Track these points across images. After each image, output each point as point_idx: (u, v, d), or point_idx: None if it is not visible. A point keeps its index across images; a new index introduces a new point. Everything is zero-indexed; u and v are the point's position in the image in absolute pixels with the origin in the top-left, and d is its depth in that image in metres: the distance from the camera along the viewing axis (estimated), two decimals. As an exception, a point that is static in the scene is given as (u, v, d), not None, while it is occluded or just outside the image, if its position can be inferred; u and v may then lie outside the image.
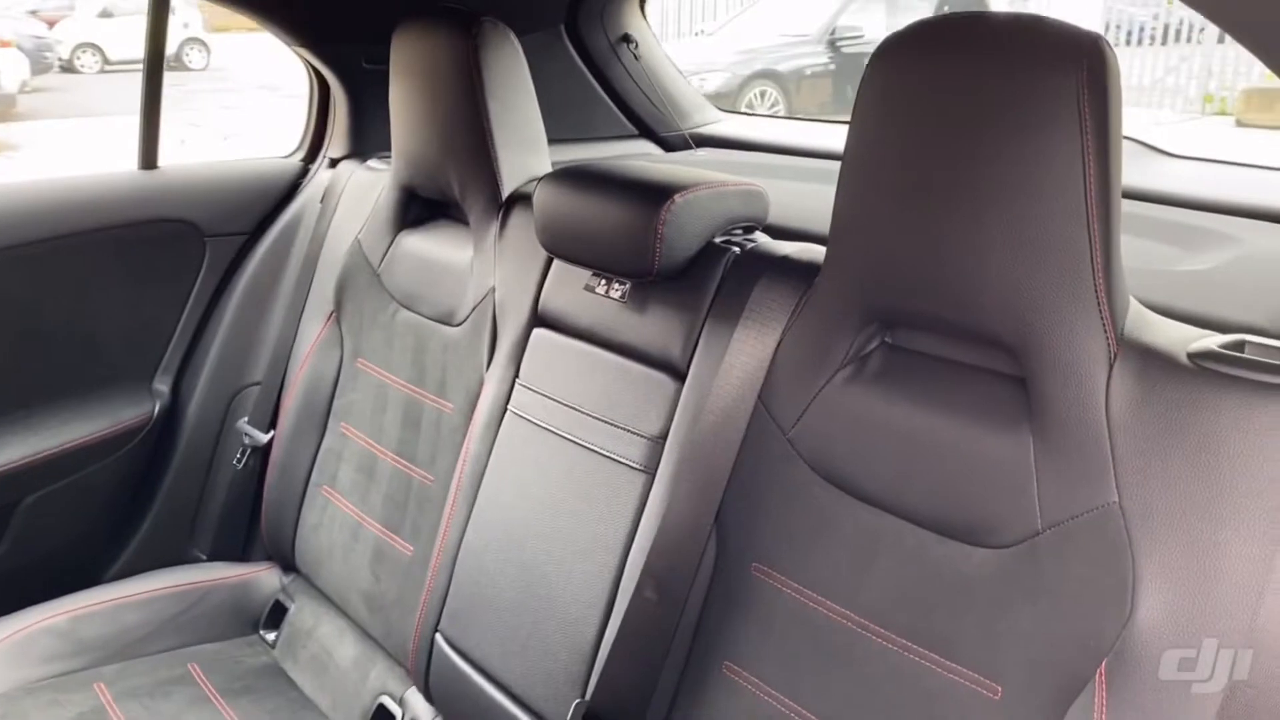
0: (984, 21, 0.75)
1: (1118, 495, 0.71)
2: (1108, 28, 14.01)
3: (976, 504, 0.78)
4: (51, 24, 10.73)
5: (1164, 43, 11.83)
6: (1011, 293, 0.73)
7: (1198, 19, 11.33)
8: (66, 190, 1.44)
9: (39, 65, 9.44)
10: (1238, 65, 11.27)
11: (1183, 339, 0.74)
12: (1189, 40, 11.56)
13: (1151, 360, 0.72)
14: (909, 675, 0.81)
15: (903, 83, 0.78)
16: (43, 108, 9.04)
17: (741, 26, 8.67)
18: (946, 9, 7.86)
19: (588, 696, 0.99)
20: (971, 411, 0.79)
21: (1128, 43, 12.96)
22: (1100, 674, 0.69)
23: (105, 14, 11.27)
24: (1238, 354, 0.70)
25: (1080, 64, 0.69)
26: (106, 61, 10.97)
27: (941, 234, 0.76)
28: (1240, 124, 10.15)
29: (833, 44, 8.12)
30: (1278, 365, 0.68)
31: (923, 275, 0.79)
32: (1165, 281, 0.97)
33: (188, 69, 11.31)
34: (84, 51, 11.00)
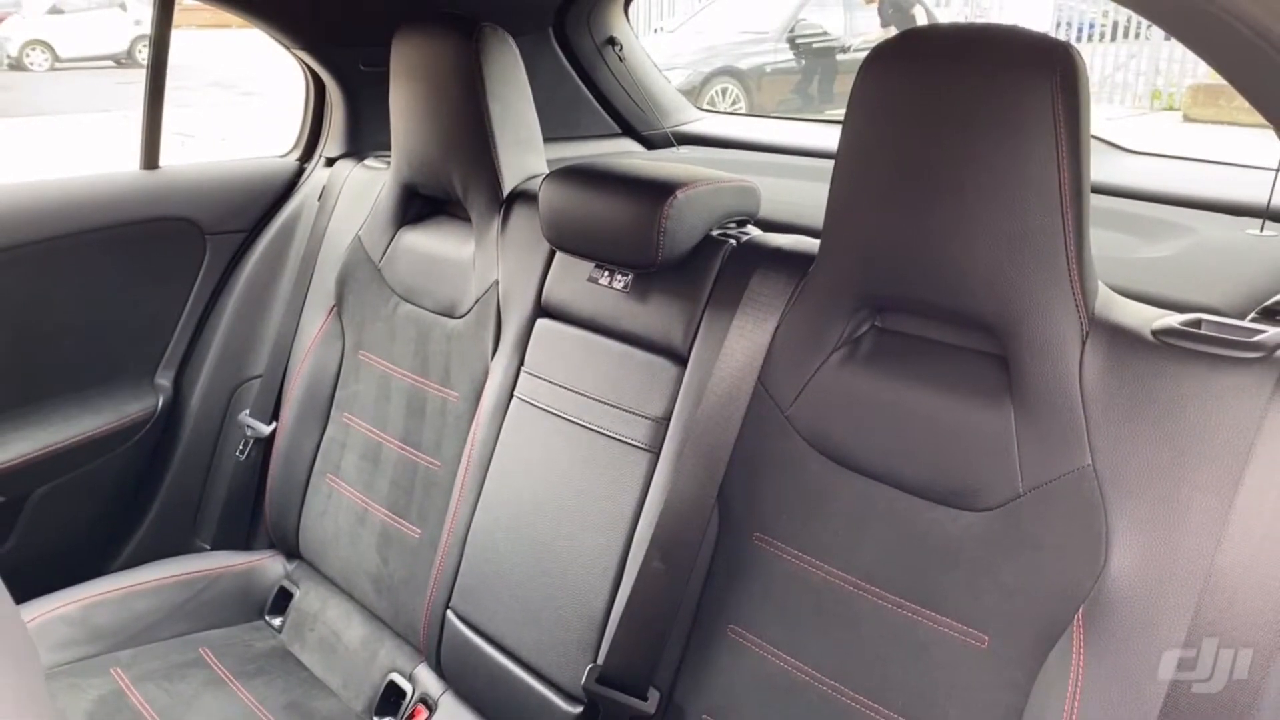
0: (966, 32, 0.83)
1: (1091, 459, 0.79)
2: (1058, 25, 14.29)
3: (962, 471, 0.86)
4: (-2, 21, 10.54)
5: (1113, 39, 12.10)
6: (993, 278, 0.81)
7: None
8: (71, 190, 1.48)
9: (-15, 63, 9.28)
10: (1184, 62, 11.57)
11: (1147, 318, 0.82)
12: (1136, 37, 11.84)
13: (1119, 337, 0.80)
14: (902, 630, 0.88)
15: (893, 87, 0.85)
16: (-10, 106, 8.88)
17: (701, 23, 8.73)
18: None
19: (599, 661, 1.06)
20: (957, 387, 0.87)
21: (1078, 39, 13.24)
22: (1078, 620, 0.77)
23: (55, 10, 11.09)
24: (1196, 331, 0.79)
25: (1054, 70, 0.76)
26: (57, 59, 10.79)
27: (928, 226, 0.84)
28: (1187, 119, 10.43)
29: (793, 41, 8.23)
30: (1232, 340, 0.76)
31: (911, 263, 0.86)
32: (1128, 268, 1.06)
33: (141, 66, 11.17)
34: (33, 49, 10.82)
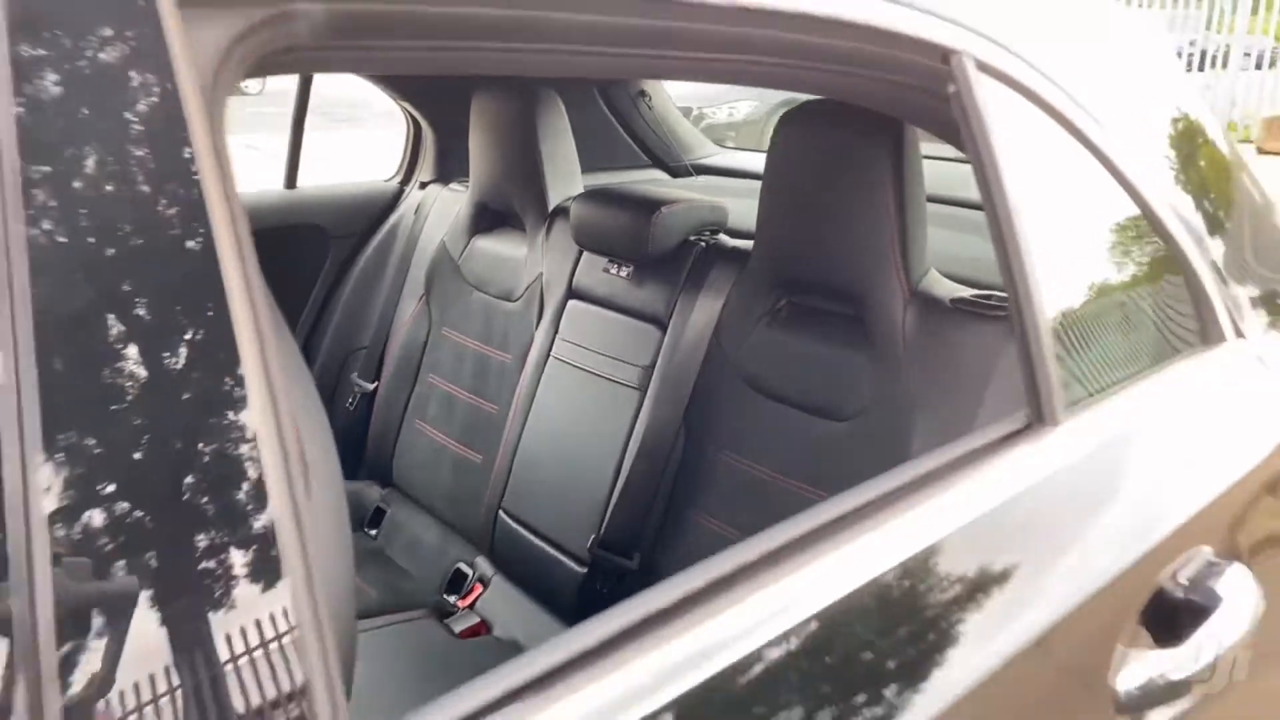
0: (835, 105, 1.26)
1: (909, 385, 1.21)
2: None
3: (837, 395, 1.28)
4: None
5: (1201, 69, 12.05)
6: (851, 268, 1.24)
7: (1234, 45, 11.60)
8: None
9: None
10: (1261, 94, 11.54)
11: (951, 291, 1.24)
12: (1213, 67, 11.80)
13: (929, 304, 1.22)
14: (804, 503, 1.31)
15: (794, 142, 1.29)
16: None
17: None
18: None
19: (600, 533, 1.51)
20: (834, 339, 1.30)
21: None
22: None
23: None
24: (975, 299, 1.20)
25: (889, 135, 1.18)
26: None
27: (815, 235, 1.27)
28: (1261, 152, 10.39)
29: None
30: (989, 305, 1.18)
31: (806, 259, 1.30)
32: (960, 262, 1.43)
33: (245, 93, 12.04)
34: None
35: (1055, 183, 0.92)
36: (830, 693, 0.64)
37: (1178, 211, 1.02)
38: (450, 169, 2.14)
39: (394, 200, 2.17)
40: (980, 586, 0.72)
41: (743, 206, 1.72)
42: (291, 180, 2.06)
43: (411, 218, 2.10)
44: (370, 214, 2.14)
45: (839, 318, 1.31)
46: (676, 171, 2.29)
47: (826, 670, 0.64)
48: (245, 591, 0.41)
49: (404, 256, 2.06)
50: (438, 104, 2.10)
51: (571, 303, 1.69)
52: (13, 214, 0.38)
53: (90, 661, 0.37)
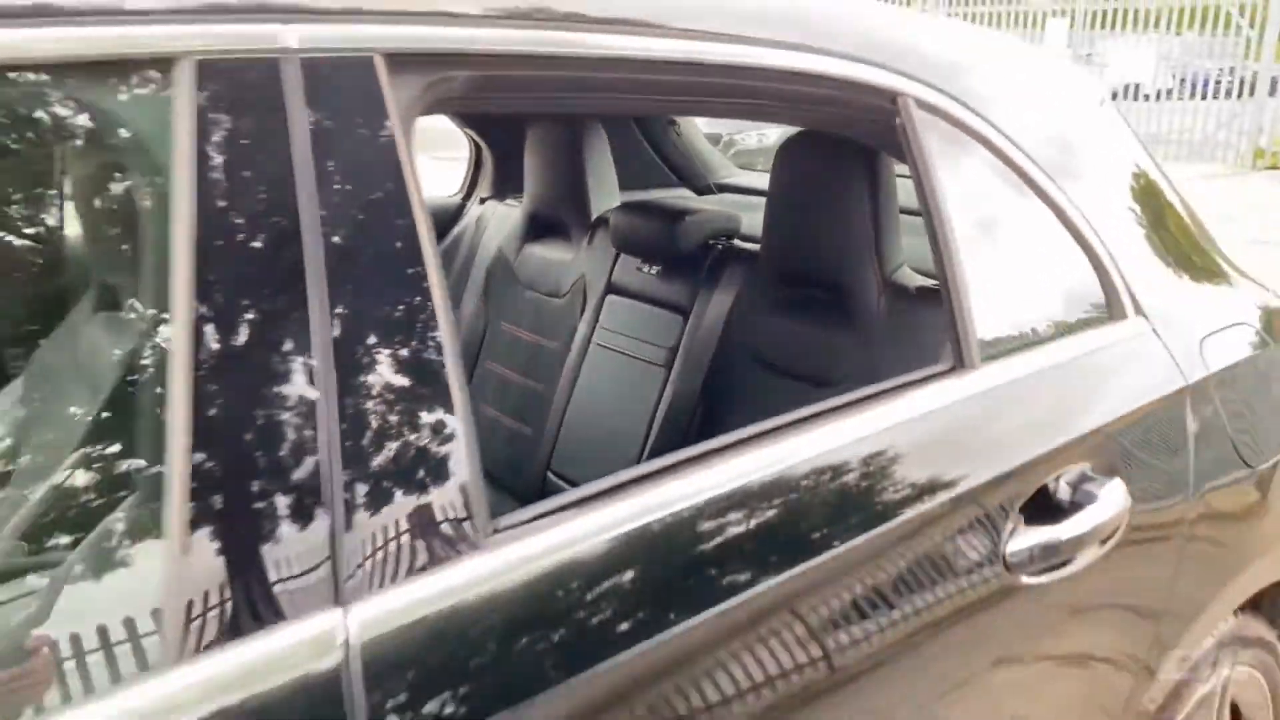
0: (822, 135, 1.56)
1: (883, 355, 1.50)
2: (1177, 79, 14.44)
3: (826, 366, 1.58)
4: None
5: (1239, 96, 12.22)
6: (838, 264, 1.54)
7: (1262, 73, 11.79)
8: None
9: None
10: (1289, 121, 11.68)
11: (917, 281, 1.53)
12: (1241, 95, 11.97)
13: (899, 291, 1.52)
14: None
15: (789, 163, 1.59)
16: None
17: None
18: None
19: (632, 486, 1.81)
20: (826, 322, 1.59)
21: (1192, 95, 13.36)
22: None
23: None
24: (930, 289, 1.50)
25: (866, 160, 1.48)
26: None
27: (808, 238, 1.57)
28: (1293, 177, 10.49)
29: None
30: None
31: (801, 257, 1.60)
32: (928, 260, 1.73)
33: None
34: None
35: (978, 191, 1.22)
36: (768, 545, 0.93)
37: (1086, 215, 1.31)
38: (506, 187, 2.47)
39: (458, 214, 2.50)
40: (902, 474, 1.02)
41: (755, 217, 2.03)
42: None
43: (473, 228, 2.43)
44: (439, 225, 2.47)
45: (827, 304, 1.61)
46: (701, 190, 2.61)
47: (769, 525, 0.94)
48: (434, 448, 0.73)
49: (466, 261, 2.38)
50: (497, 132, 2.43)
51: (609, 297, 2.01)
52: (310, 226, 0.69)
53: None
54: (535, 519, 0.79)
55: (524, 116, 2.18)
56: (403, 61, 0.77)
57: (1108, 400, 1.22)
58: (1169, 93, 13.99)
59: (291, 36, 0.71)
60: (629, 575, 0.82)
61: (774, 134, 8.46)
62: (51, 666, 0.62)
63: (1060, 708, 1.19)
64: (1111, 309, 1.31)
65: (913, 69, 1.15)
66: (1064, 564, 1.09)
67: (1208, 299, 1.46)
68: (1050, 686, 1.17)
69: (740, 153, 6.73)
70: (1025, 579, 1.06)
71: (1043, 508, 1.10)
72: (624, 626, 0.80)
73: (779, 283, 1.67)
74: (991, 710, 1.11)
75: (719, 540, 0.87)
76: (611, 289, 2.00)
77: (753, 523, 0.90)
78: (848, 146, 1.48)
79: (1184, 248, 1.51)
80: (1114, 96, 14.50)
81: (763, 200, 1.93)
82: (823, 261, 1.56)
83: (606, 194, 2.12)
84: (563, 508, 0.81)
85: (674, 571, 0.84)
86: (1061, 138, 1.34)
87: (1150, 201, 1.48)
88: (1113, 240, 1.33)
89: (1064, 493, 1.12)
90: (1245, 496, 1.34)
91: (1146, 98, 13.65)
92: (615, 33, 0.89)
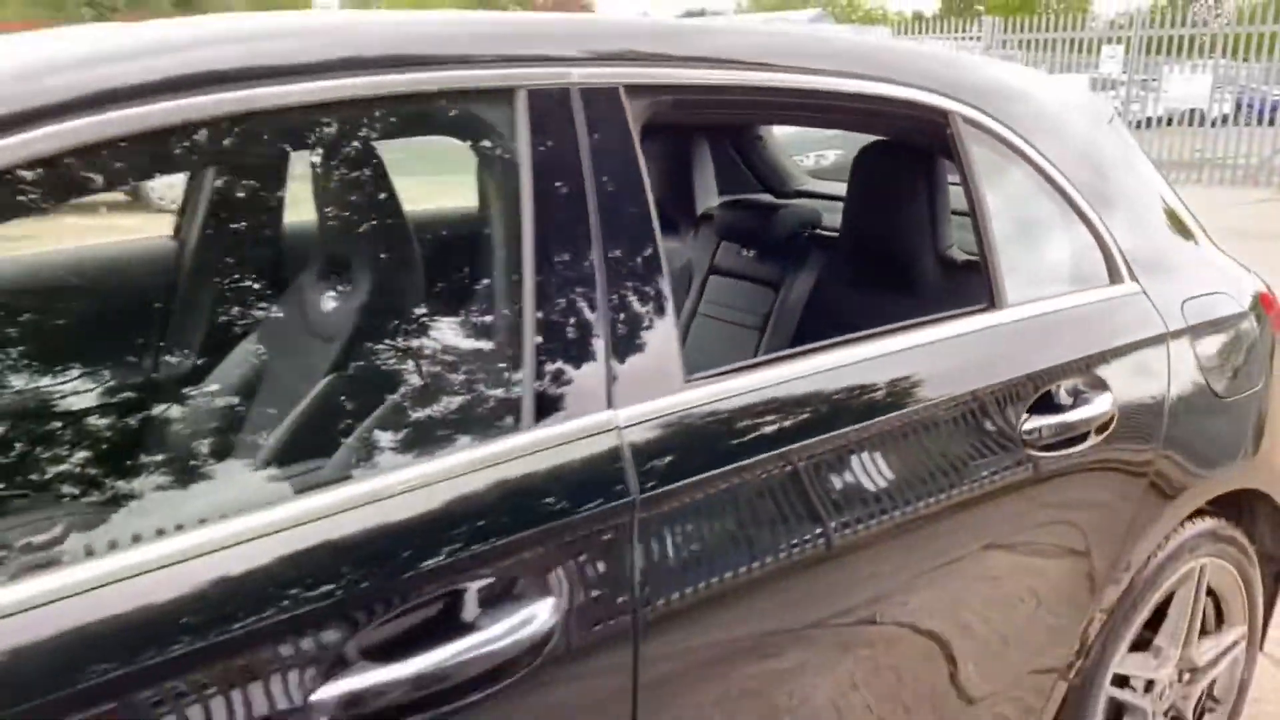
0: (890, 144, 2.01)
1: (935, 314, 1.95)
2: (1239, 106, 14.63)
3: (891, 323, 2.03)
4: None
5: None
6: (903, 242, 1.99)
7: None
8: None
9: None
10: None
11: (964, 257, 1.98)
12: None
13: (949, 264, 1.97)
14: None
15: (865, 165, 2.05)
16: None
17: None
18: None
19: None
20: (891, 290, 2.03)
21: (1259, 121, 13.52)
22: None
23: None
24: (971, 260, 1.94)
25: (925, 163, 1.94)
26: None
27: (880, 225, 2.03)
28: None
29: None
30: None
31: (874, 240, 2.06)
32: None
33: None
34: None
35: (1009, 184, 1.67)
36: (852, 404, 1.38)
37: (1092, 204, 1.75)
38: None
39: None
40: (947, 370, 1.47)
41: (829, 215, 2.50)
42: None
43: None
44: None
45: (893, 275, 2.06)
46: (780, 194, 3.08)
47: (855, 392, 1.39)
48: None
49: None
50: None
51: (712, 278, 2.48)
52: (590, 196, 1.17)
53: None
54: (707, 378, 1.25)
55: (686, 126, 2.67)
56: (637, 90, 1.25)
57: (1101, 335, 1.66)
58: (1226, 119, 14.14)
59: (576, 74, 1.20)
60: (762, 419, 1.27)
61: (831, 155, 8.94)
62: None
63: (1055, 576, 1.62)
64: (1111, 275, 1.75)
65: (959, 94, 1.61)
66: (1067, 444, 1.53)
67: (1193, 274, 1.89)
68: (1045, 557, 1.60)
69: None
70: (1033, 452, 1.50)
71: (1048, 406, 1.54)
72: (764, 431, 1.25)
73: (854, 259, 2.13)
74: (1007, 567, 1.54)
75: (817, 395, 1.33)
76: (714, 270, 2.48)
77: (841, 390, 1.36)
78: (911, 152, 1.94)
79: (1176, 236, 1.94)
80: (1170, 122, 14.63)
81: (829, 202, 2.39)
82: (891, 242, 2.02)
83: (708, 194, 2.60)
84: (721, 374, 1.27)
85: (792, 407, 1.30)
86: (1076, 146, 1.78)
87: (1147, 198, 1.91)
88: (1114, 225, 1.77)
89: (1064, 398, 1.56)
90: (1210, 417, 1.77)
91: (1209, 122, 13.80)
92: (763, 70, 1.37)
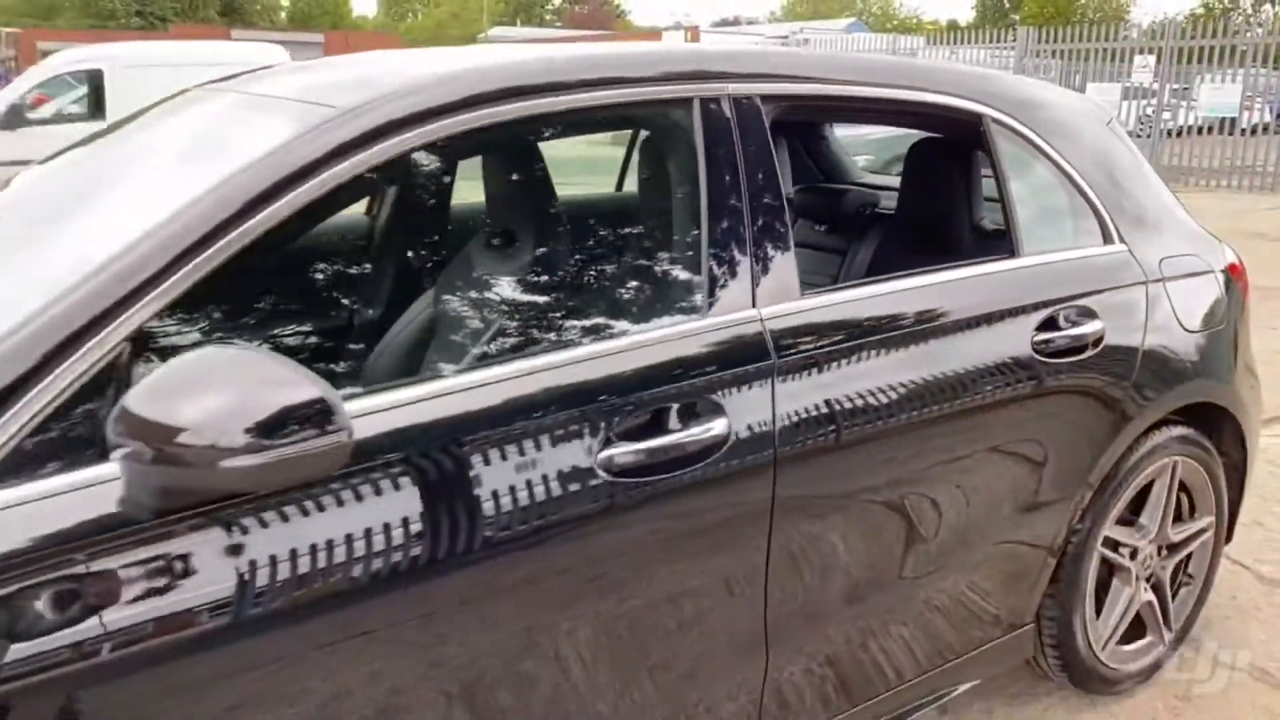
0: (936, 139, 2.60)
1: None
2: (1270, 113, 14.98)
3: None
4: None
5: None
6: (945, 216, 2.58)
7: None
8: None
9: None
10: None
11: (991, 227, 2.57)
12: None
13: (981, 232, 2.56)
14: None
15: (916, 157, 2.64)
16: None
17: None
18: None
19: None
20: (935, 254, 2.62)
21: (1280, 130, 13.91)
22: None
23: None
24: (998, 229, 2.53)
25: (963, 155, 2.53)
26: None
27: (927, 204, 2.62)
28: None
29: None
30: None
31: (922, 215, 2.65)
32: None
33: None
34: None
35: (1028, 170, 2.26)
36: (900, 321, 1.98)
37: (1094, 185, 2.33)
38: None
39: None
40: (974, 295, 2.06)
41: (884, 200, 3.11)
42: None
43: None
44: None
45: (938, 242, 2.65)
46: (842, 183, 3.68)
47: (908, 309, 1.98)
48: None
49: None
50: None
51: (790, 248, 3.09)
52: (743, 176, 1.79)
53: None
54: (813, 293, 1.85)
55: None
56: (767, 99, 1.86)
57: (1093, 279, 2.24)
58: (1265, 128, 14.48)
59: (730, 88, 1.81)
60: (851, 320, 1.87)
61: (861, 161, 9.61)
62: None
63: (1055, 458, 2.18)
64: (1104, 238, 2.33)
65: (989, 100, 2.21)
66: (1066, 354, 2.12)
67: (1171, 240, 2.47)
68: (1048, 442, 2.17)
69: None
70: (1041, 358, 2.09)
71: (1052, 326, 2.13)
72: (854, 328, 1.85)
73: (907, 230, 2.73)
74: (1020, 447, 2.12)
75: (885, 307, 1.93)
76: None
77: (900, 305, 1.95)
78: (953, 146, 2.54)
79: (1159, 211, 2.51)
80: (1202, 130, 15.00)
81: (881, 191, 3.00)
82: (936, 215, 2.60)
83: (784, 182, 3.20)
84: (821, 291, 1.87)
85: (869, 313, 1.89)
86: (1081, 141, 2.37)
87: (1137, 181, 2.49)
88: (1108, 201, 2.36)
89: (1063, 322, 2.14)
90: (1179, 345, 2.34)
91: (1239, 131, 14.17)
92: (849, 85, 1.98)
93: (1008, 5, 67.15)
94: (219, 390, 1.13)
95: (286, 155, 1.39)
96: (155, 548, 1.19)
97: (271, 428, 1.14)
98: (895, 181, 3.37)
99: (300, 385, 1.16)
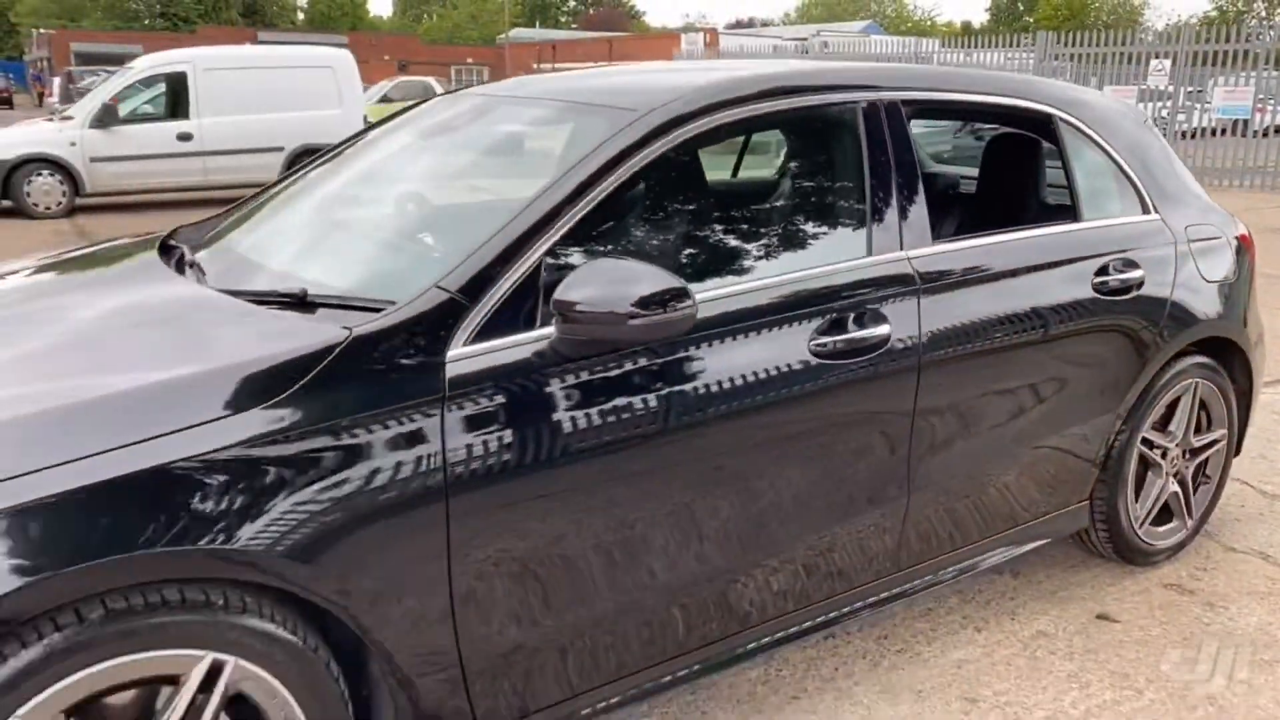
0: (1012, 134, 3.32)
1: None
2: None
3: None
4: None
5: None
6: (1018, 193, 3.30)
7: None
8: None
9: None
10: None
11: (1056, 201, 3.29)
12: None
13: (1046, 206, 3.28)
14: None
15: (995, 149, 3.36)
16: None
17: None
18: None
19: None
20: (1011, 223, 3.35)
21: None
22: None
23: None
24: (1068, 204, 3.26)
25: (1034, 148, 3.26)
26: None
27: (1003, 181, 3.35)
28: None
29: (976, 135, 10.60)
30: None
31: (1000, 191, 3.37)
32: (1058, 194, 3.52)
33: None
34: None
35: (1086, 158, 2.98)
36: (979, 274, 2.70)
37: (1135, 171, 3.06)
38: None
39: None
40: (1042, 249, 2.78)
41: (962, 184, 3.83)
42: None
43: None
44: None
45: (1011, 215, 3.35)
46: (915, 174, 4.41)
47: (981, 260, 2.71)
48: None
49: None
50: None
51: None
52: (877, 161, 2.53)
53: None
54: (939, 240, 2.58)
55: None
56: (907, 103, 2.60)
57: (1136, 239, 2.97)
58: (1277, 130, 15.08)
59: (886, 96, 2.55)
60: (962, 262, 2.60)
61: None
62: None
63: (1106, 375, 2.90)
64: (1143, 209, 3.07)
65: (1054, 103, 2.94)
66: (1117, 293, 2.84)
67: (1193, 212, 3.19)
68: (1101, 365, 2.88)
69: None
70: (1098, 295, 2.81)
71: (1105, 272, 2.85)
72: (964, 265, 2.59)
73: (986, 206, 3.45)
74: (1083, 366, 2.83)
75: (983, 257, 2.66)
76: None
77: (993, 254, 2.68)
78: (1027, 140, 3.27)
79: (1184, 190, 3.24)
80: (1219, 132, 15.63)
81: (955, 181, 3.73)
82: (1011, 193, 3.32)
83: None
84: (941, 239, 2.61)
85: (975, 257, 2.62)
86: (1122, 133, 3.10)
87: (1166, 167, 3.21)
88: (1145, 181, 3.09)
89: (1113, 270, 2.87)
90: (1200, 292, 3.06)
91: (1254, 133, 14.78)
92: (953, 92, 2.72)
93: (1021, 7, 67.55)
94: (609, 281, 1.87)
95: (620, 140, 2.13)
96: (570, 378, 1.94)
97: (649, 302, 1.87)
98: (940, 169, 4.08)
99: (666, 278, 1.90)
